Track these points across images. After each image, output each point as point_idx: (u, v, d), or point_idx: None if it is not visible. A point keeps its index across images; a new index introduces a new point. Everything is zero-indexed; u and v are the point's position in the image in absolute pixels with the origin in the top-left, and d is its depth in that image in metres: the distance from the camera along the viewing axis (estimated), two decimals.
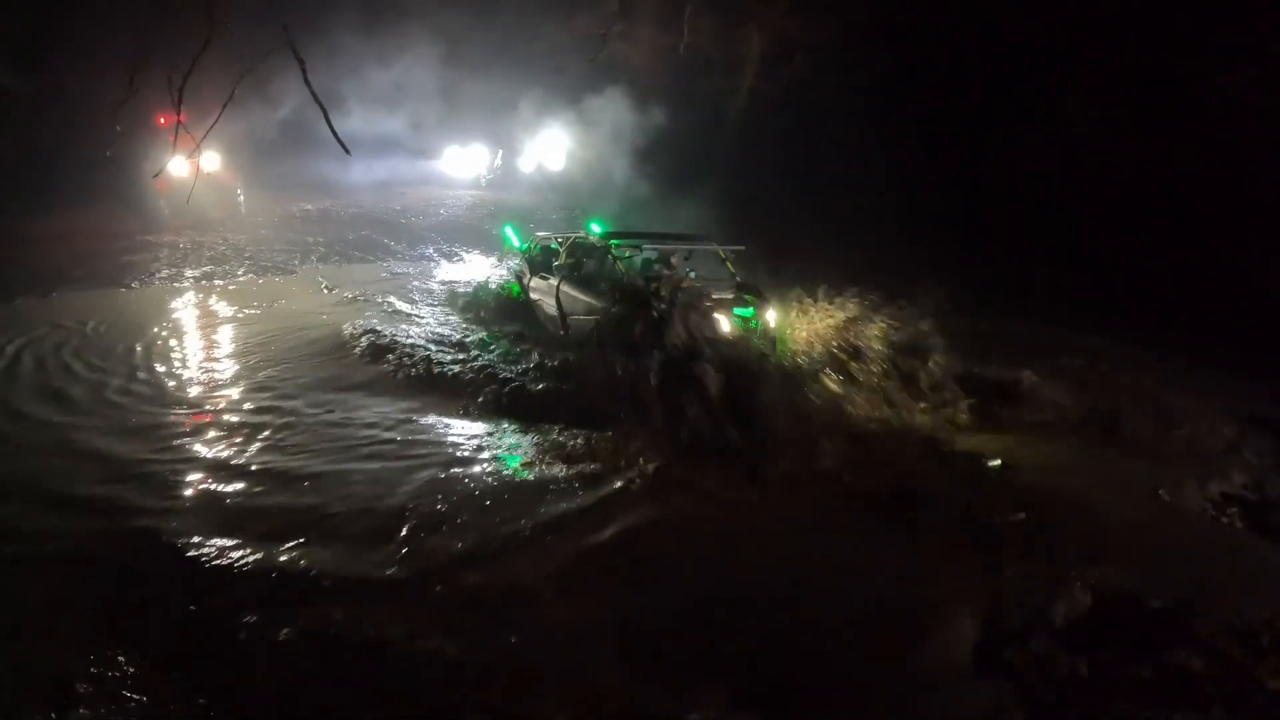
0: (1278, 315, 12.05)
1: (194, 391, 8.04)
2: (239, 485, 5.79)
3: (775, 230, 16.04)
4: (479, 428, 7.12)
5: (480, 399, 7.75)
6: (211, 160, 18.43)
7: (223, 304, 12.34)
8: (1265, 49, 12.84)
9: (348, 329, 10.17)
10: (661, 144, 20.86)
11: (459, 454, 6.43)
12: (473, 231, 19.98)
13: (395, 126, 24.73)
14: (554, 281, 10.42)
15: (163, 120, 15.34)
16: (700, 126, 22.05)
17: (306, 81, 3.69)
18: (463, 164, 27.02)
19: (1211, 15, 13.36)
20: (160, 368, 8.78)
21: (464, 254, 17.79)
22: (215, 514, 5.33)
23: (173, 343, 9.89)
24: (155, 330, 10.39)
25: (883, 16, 17.94)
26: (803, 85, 20.50)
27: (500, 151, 27.04)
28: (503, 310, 11.51)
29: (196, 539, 4.93)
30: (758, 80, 22.25)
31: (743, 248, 10.41)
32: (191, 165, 13.36)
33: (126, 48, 10.84)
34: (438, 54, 22.82)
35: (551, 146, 26.24)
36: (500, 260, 13.72)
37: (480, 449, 6.57)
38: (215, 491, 5.68)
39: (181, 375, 8.59)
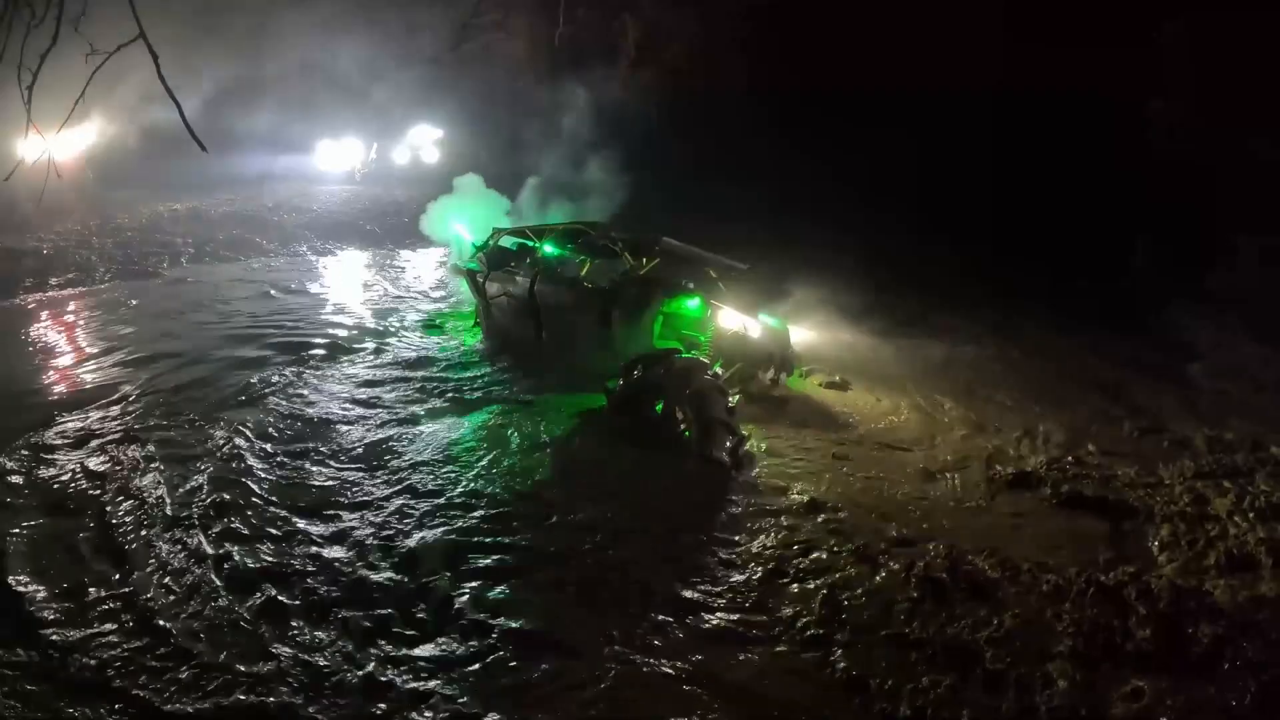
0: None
1: None
2: None
3: (663, 221, 16.38)
4: None
5: None
6: (75, 159, 18.01)
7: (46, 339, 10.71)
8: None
9: None
10: (541, 134, 21.17)
11: None
12: (345, 228, 20.12)
13: (267, 121, 24.48)
14: (522, 280, 9.69)
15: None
16: (577, 117, 22.49)
17: (160, 76, 4.19)
18: (336, 158, 26.90)
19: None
20: None
21: (338, 251, 17.98)
22: None
23: None
24: None
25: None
26: (679, 75, 21.07)
27: (375, 145, 27.05)
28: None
29: None
30: (632, 70, 22.87)
31: (746, 266, 9.36)
32: (53, 165, 13.16)
33: None
34: (312, 45, 22.69)
35: (426, 139, 26.56)
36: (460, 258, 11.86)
37: None
38: None
39: None
